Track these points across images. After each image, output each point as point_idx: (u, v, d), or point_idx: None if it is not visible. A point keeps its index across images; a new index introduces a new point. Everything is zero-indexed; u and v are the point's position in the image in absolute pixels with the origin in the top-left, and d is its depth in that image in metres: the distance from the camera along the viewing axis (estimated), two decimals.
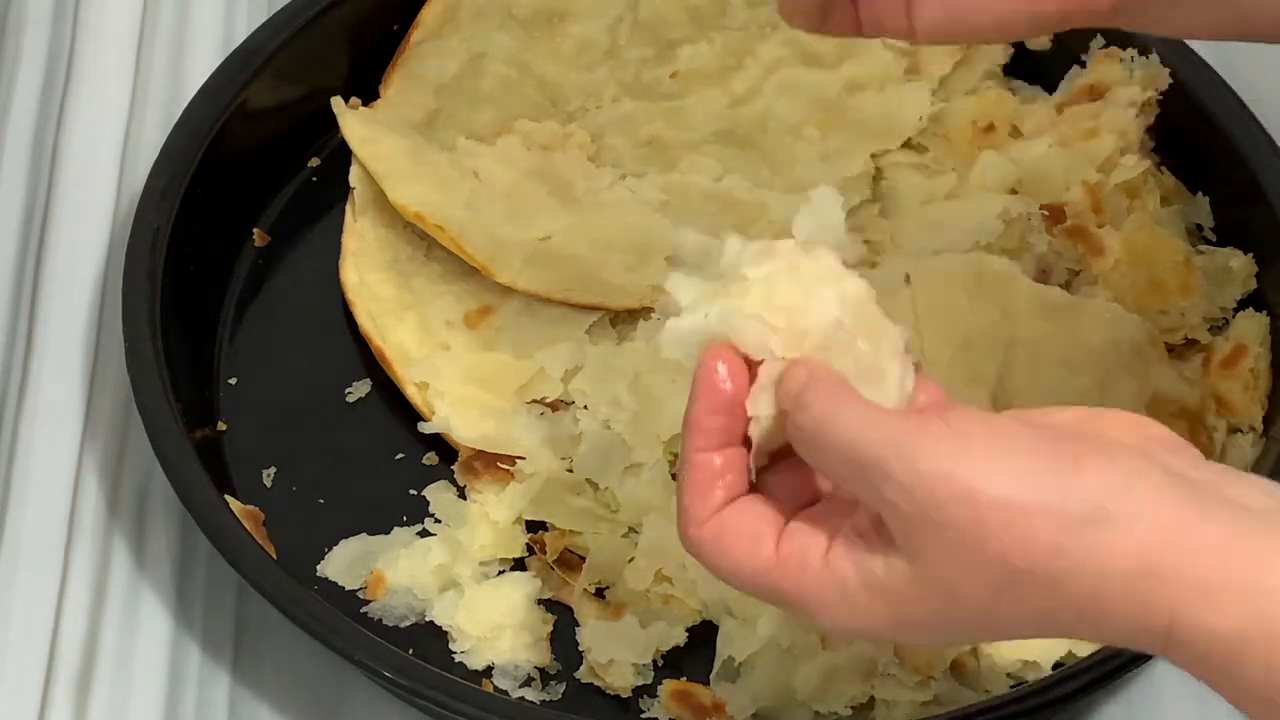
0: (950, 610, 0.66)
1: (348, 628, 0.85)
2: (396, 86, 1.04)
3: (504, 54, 1.05)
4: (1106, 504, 0.63)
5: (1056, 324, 0.94)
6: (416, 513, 0.93)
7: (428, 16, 1.05)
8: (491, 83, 1.04)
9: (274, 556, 0.88)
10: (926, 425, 0.65)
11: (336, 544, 0.91)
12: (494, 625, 0.88)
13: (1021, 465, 0.64)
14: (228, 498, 0.89)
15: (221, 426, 0.95)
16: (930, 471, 0.64)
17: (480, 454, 0.93)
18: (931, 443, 0.64)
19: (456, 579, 0.90)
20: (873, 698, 0.86)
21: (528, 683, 0.88)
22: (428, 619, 0.89)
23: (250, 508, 0.91)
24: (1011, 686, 0.86)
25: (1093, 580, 0.63)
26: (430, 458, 0.95)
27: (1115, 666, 0.83)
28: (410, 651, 0.87)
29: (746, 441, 0.69)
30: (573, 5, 1.06)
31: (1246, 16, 0.77)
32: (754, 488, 0.70)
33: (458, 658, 0.88)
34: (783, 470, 0.70)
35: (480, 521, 0.91)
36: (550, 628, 0.89)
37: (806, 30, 0.78)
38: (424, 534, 0.92)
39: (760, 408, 0.68)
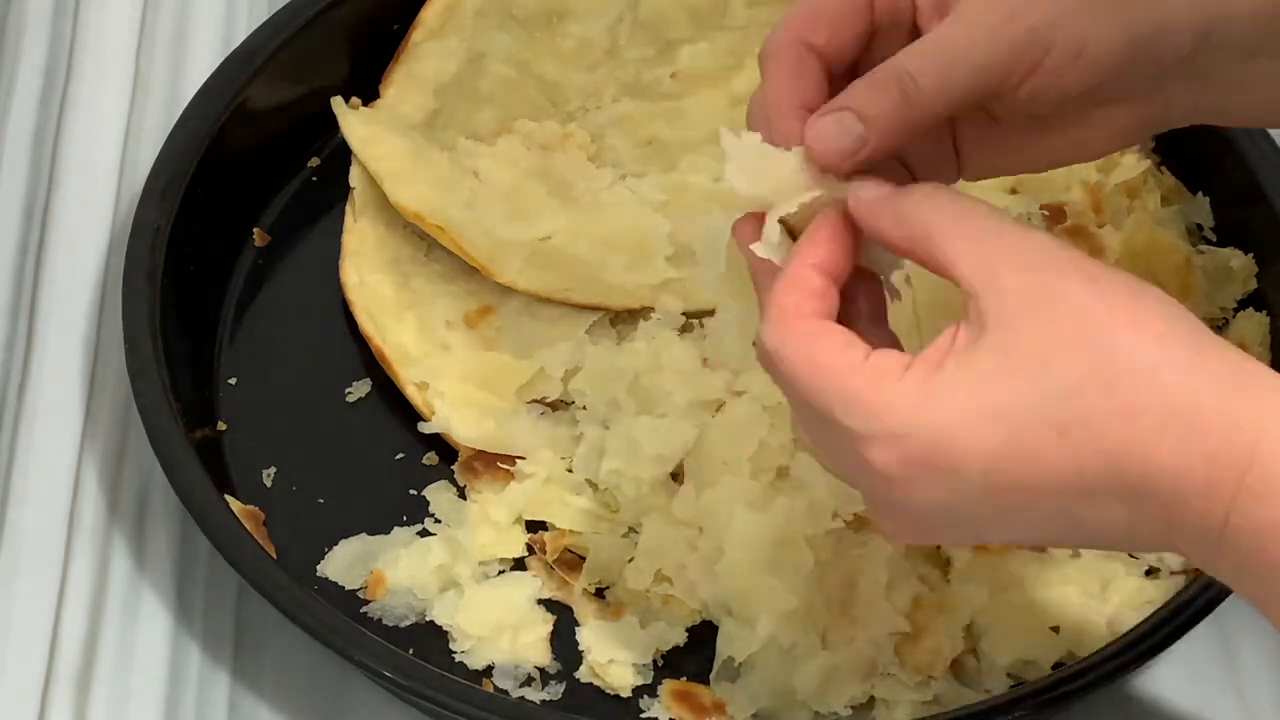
0: (1036, 390, 0.66)
1: (348, 628, 0.85)
2: (396, 86, 1.04)
3: (504, 54, 1.05)
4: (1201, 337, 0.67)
5: None
6: (416, 513, 0.93)
7: (428, 16, 1.05)
8: (491, 83, 1.04)
9: (274, 556, 0.88)
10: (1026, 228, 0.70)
11: (336, 544, 0.91)
12: (494, 625, 0.88)
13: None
14: (228, 498, 0.89)
15: (221, 426, 0.95)
16: (1056, 256, 0.69)
17: (480, 454, 0.93)
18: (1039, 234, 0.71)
19: (456, 579, 0.90)
20: (873, 698, 0.86)
21: (528, 683, 0.88)
22: (428, 619, 0.89)
23: (250, 508, 0.91)
24: (1011, 686, 0.86)
25: (1187, 383, 0.65)
26: (430, 458, 0.95)
27: (1115, 666, 0.83)
28: (410, 651, 0.87)
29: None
30: (573, 5, 1.06)
31: None
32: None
33: (458, 658, 0.88)
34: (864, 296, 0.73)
35: (480, 521, 0.91)
36: (550, 628, 0.89)
37: None
38: (424, 534, 0.92)
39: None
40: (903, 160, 0.77)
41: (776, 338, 0.69)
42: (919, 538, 0.73)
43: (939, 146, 0.77)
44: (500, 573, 0.91)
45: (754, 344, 0.71)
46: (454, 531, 0.91)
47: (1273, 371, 0.67)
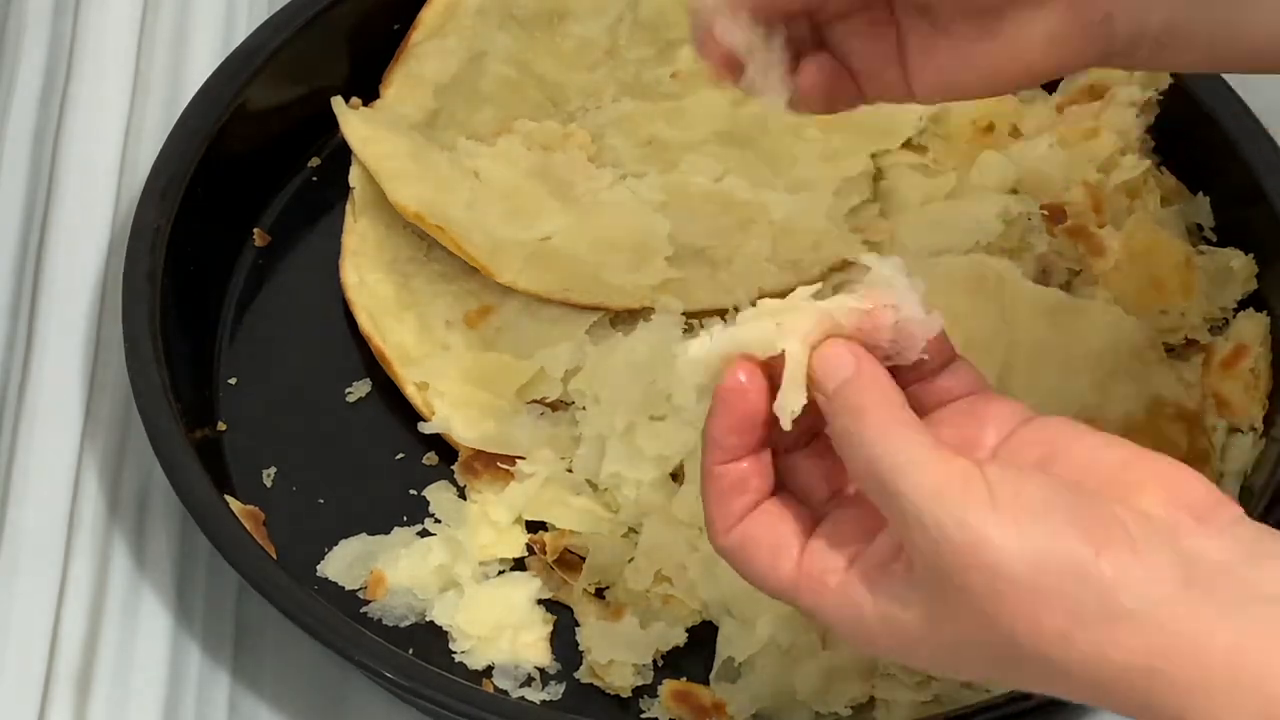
0: (956, 662, 0.67)
1: (348, 628, 0.85)
2: (396, 86, 1.04)
3: (504, 54, 1.05)
4: (1121, 600, 0.63)
5: (1056, 326, 0.93)
6: (416, 513, 0.93)
7: (428, 16, 1.05)
8: (491, 82, 1.04)
9: (274, 556, 0.88)
10: (969, 485, 0.65)
11: (336, 544, 0.91)
12: (494, 625, 0.88)
13: (1044, 547, 0.64)
14: (228, 498, 0.89)
15: (221, 426, 0.95)
16: (960, 540, 0.64)
17: (480, 454, 0.93)
18: (965, 507, 0.64)
19: (456, 579, 0.90)
20: (873, 698, 0.86)
21: (528, 683, 0.88)
22: (428, 619, 0.89)
23: (250, 508, 0.91)
24: None
25: (1097, 672, 0.64)
26: (430, 458, 0.95)
27: None
28: (410, 651, 0.87)
29: (767, 441, 0.69)
30: (573, 5, 1.06)
31: (1241, 52, 0.78)
32: (785, 476, 0.71)
33: (458, 658, 0.88)
34: (817, 452, 0.71)
35: (480, 521, 0.91)
36: (550, 628, 0.89)
37: (817, 113, 0.78)
38: (424, 534, 0.92)
39: (791, 402, 0.68)
40: (847, 66, 0.76)
41: (719, 550, 0.71)
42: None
43: (882, 51, 0.76)
44: (500, 573, 0.91)
45: None
46: (454, 531, 0.91)
47: None
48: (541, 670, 0.88)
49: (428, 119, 1.03)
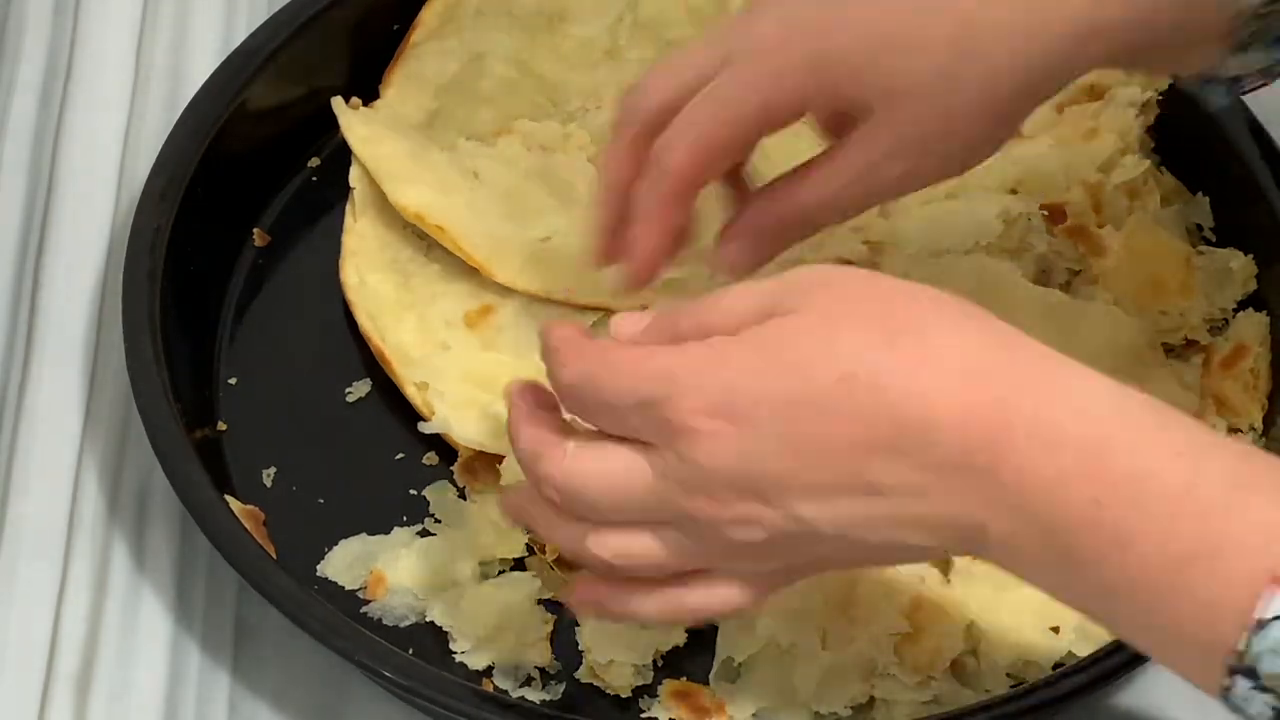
0: (821, 347, 0.70)
1: (348, 628, 0.85)
2: (397, 87, 1.04)
3: (504, 54, 1.05)
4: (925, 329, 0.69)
5: (1056, 327, 0.93)
6: (416, 513, 0.93)
7: (428, 16, 1.05)
8: (491, 83, 1.04)
9: (274, 556, 0.88)
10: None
11: (336, 544, 0.91)
12: (494, 625, 0.88)
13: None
14: (228, 498, 0.89)
15: (221, 426, 0.95)
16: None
17: (480, 454, 0.93)
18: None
19: (456, 579, 0.90)
20: (873, 698, 0.86)
21: (527, 683, 0.88)
22: (428, 619, 0.89)
23: (250, 508, 0.91)
24: (1011, 686, 0.86)
25: (957, 342, 0.69)
26: (430, 458, 0.95)
27: (1115, 666, 0.83)
28: (410, 651, 0.87)
29: None
30: (573, 5, 1.06)
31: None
32: None
33: (458, 658, 0.88)
34: None
35: (480, 521, 0.91)
36: (550, 628, 0.89)
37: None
38: (424, 534, 0.92)
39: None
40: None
41: (574, 374, 0.74)
42: (719, 506, 0.72)
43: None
44: (500, 573, 0.91)
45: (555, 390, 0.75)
46: (454, 531, 0.91)
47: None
48: (542, 670, 0.88)
49: (427, 119, 1.03)
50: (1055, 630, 0.87)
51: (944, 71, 0.79)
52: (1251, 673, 0.65)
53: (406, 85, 1.04)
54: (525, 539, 0.91)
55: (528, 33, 1.05)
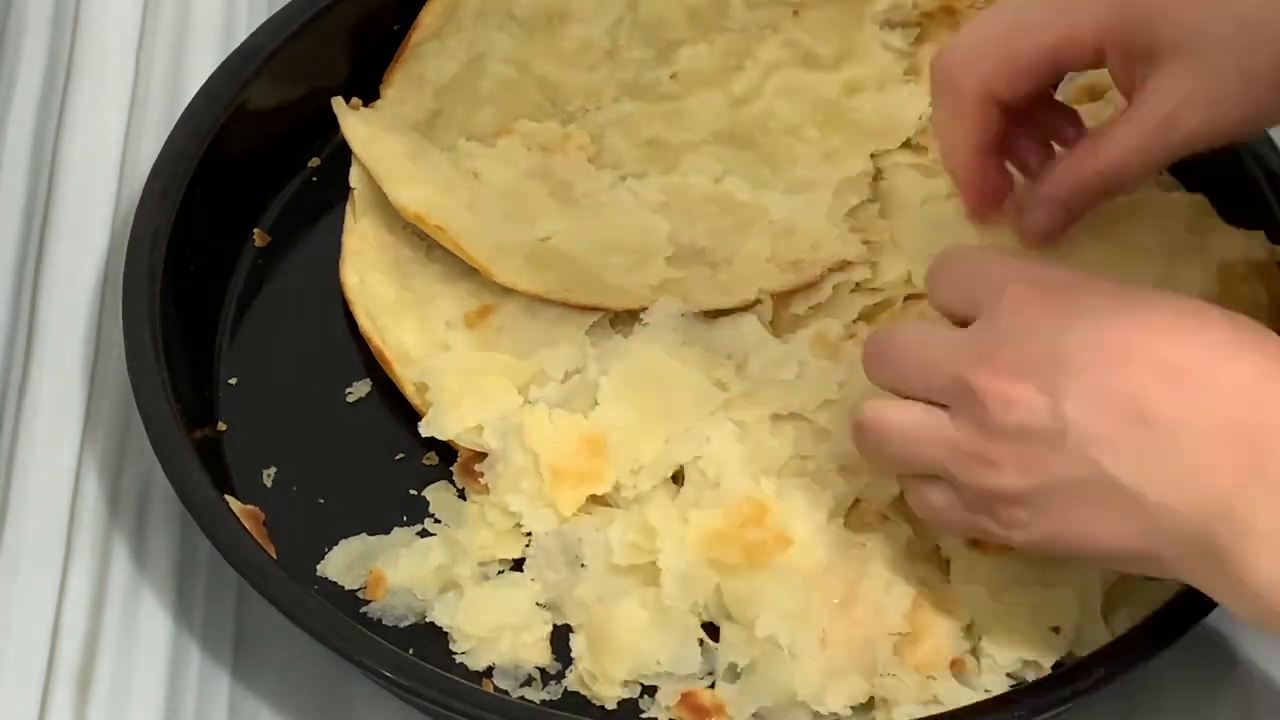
0: None
1: (348, 628, 0.85)
2: (397, 87, 1.04)
3: (504, 54, 1.05)
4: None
5: (1104, 239, 0.93)
6: (416, 513, 0.93)
7: (428, 17, 1.05)
8: (491, 83, 1.04)
9: (274, 556, 0.88)
10: None
11: (336, 544, 0.91)
12: (494, 626, 0.88)
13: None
14: (228, 498, 0.89)
15: (221, 426, 0.95)
16: None
17: (478, 455, 0.93)
18: None
19: (456, 579, 0.90)
20: (873, 698, 0.86)
21: (528, 683, 0.88)
22: (428, 619, 0.89)
23: (250, 507, 0.91)
24: (1011, 687, 0.86)
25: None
26: (430, 458, 0.94)
27: (1115, 666, 0.83)
28: (410, 651, 0.87)
29: None
30: (573, 6, 1.06)
31: None
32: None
33: (458, 658, 0.88)
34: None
35: (480, 522, 0.91)
36: (550, 628, 0.89)
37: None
38: (424, 534, 0.92)
39: None
40: None
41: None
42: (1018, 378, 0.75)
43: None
44: (500, 573, 0.91)
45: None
46: (454, 532, 0.91)
47: None
48: (542, 670, 0.88)
49: (428, 119, 1.03)
50: (1055, 630, 0.87)
51: (1246, 23, 0.80)
52: None
53: (407, 85, 1.04)
54: (525, 539, 0.91)
55: (528, 33, 1.05)
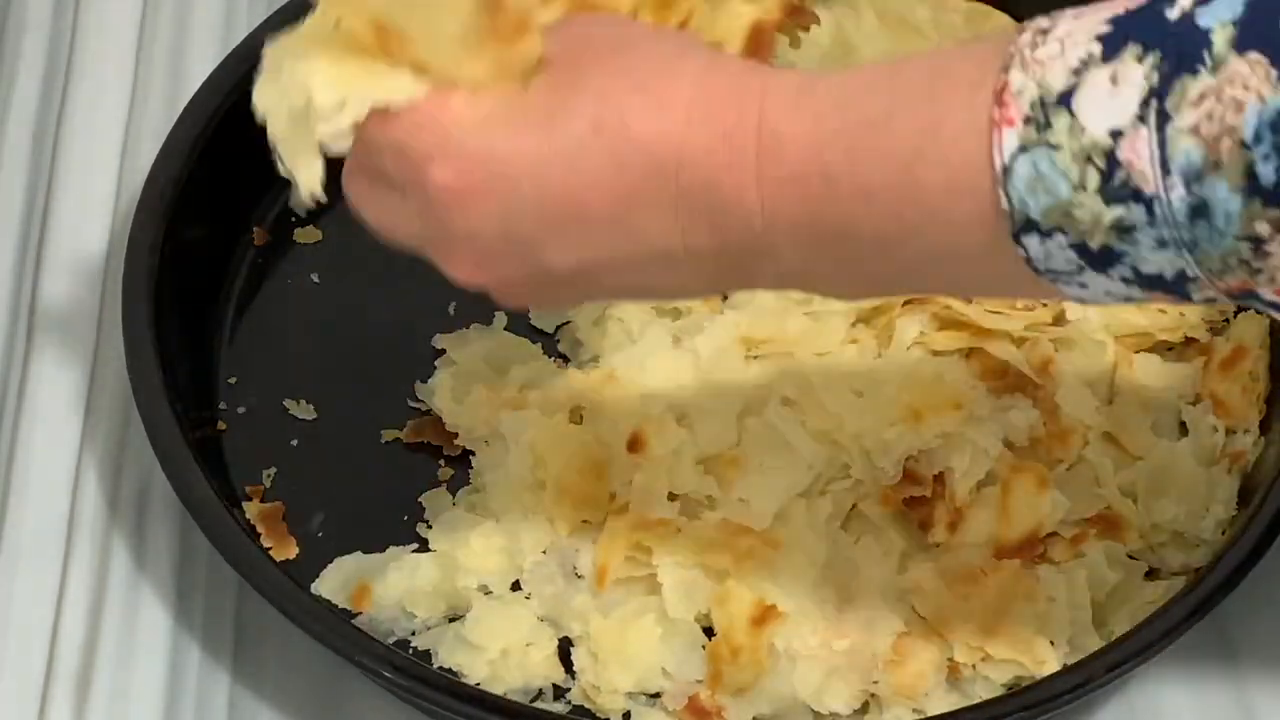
0: (573, 96, 0.70)
1: (347, 628, 0.85)
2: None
3: None
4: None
5: None
6: (416, 510, 0.92)
7: None
8: None
9: (297, 550, 0.89)
10: None
11: (335, 544, 0.92)
12: (500, 650, 0.87)
13: None
14: (245, 504, 0.90)
15: (221, 426, 0.95)
16: None
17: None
18: None
19: (458, 597, 0.89)
20: (873, 697, 0.86)
21: (538, 697, 0.87)
22: (436, 666, 0.87)
23: (269, 506, 0.91)
24: (1011, 686, 0.86)
25: (708, 77, 0.70)
26: (444, 472, 0.94)
27: (1115, 666, 0.83)
28: (410, 651, 0.87)
29: None
30: None
31: None
32: None
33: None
34: None
35: (479, 539, 0.90)
36: (555, 643, 0.89)
37: None
38: (423, 548, 0.91)
39: None
40: None
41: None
42: (480, 269, 0.74)
43: None
44: (489, 593, 0.90)
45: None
46: (448, 548, 0.90)
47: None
48: (555, 685, 0.88)
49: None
50: (1050, 644, 0.87)
51: None
52: (1030, 225, 0.65)
53: None
54: (524, 562, 0.90)
55: None
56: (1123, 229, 0.63)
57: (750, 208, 0.69)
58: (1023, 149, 0.64)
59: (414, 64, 0.72)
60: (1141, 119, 0.62)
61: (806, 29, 0.82)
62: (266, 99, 0.75)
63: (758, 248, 0.70)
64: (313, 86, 0.72)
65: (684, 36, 0.74)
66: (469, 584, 0.89)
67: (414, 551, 0.91)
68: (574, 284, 0.73)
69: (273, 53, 0.76)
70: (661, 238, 0.70)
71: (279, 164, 0.74)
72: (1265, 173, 0.61)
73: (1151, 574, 0.90)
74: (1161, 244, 0.63)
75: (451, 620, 0.89)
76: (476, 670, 0.87)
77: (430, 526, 0.92)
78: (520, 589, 0.90)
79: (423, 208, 0.72)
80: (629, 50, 0.71)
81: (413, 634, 0.89)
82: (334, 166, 1.03)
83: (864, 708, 0.86)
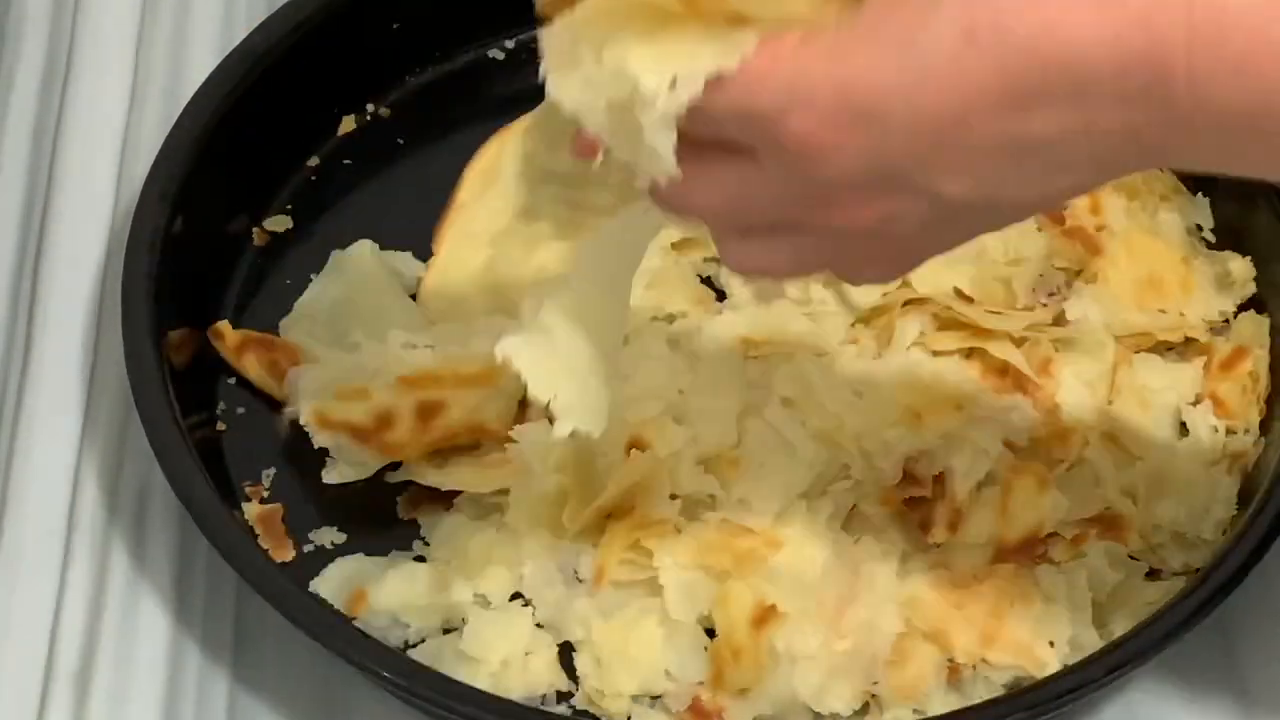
0: (934, 9, 0.62)
1: (347, 629, 0.85)
2: (449, 244, 1.01)
3: (552, 198, 1.02)
4: None
5: None
6: (414, 528, 0.93)
7: (470, 176, 1.03)
8: (547, 222, 1.02)
9: (295, 552, 0.89)
10: None
11: (334, 544, 0.91)
12: (500, 661, 0.87)
13: None
14: (245, 504, 0.90)
15: (221, 426, 0.95)
16: None
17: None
18: None
19: (450, 620, 0.89)
20: (873, 697, 0.86)
21: (542, 703, 0.87)
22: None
23: (268, 507, 0.91)
24: (1011, 687, 0.86)
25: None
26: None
27: (1115, 666, 0.83)
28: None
29: None
30: (613, 154, 1.03)
31: None
32: None
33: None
34: None
35: (477, 548, 0.90)
36: (555, 649, 0.88)
37: None
38: (420, 559, 0.91)
39: None
40: None
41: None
42: (863, 211, 0.66)
43: None
44: (489, 604, 0.90)
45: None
46: (446, 557, 0.90)
47: None
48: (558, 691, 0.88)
49: (484, 265, 1.01)
50: (1050, 645, 0.87)
51: None
52: None
53: (459, 240, 1.01)
54: (524, 568, 0.90)
55: (573, 182, 1.03)
56: None
57: (1176, 93, 0.61)
58: None
59: (731, 18, 0.64)
60: None
61: None
62: (574, 94, 0.66)
63: (1174, 137, 0.62)
64: (635, 71, 0.64)
65: None
66: (465, 597, 0.89)
67: (414, 559, 0.91)
68: (969, 213, 0.66)
69: (559, 39, 0.66)
70: (1061, 140, 0.63)
71: (608, 154, 0.68)
72: None
73: (1152, 574, 0.90)
74: None
75: (446, 632, 0.89)
76: (479, 682, 0.86)
77: (427, 543, 0.92)
78: (517, 599, 0.90)
79: (786, 169, 0.65)
80: None
81: (407, 644, 0.89)
82: (335, 170, 1.04)
83: (864, 708, 0.86)
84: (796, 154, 0.64)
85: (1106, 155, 0.64)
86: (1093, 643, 0.86)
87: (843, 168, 0.64)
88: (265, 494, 0.93)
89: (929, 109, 0.63)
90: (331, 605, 0.88)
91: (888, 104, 0.63)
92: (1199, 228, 0.99)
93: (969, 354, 0.94)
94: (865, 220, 0.66)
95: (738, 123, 0.65)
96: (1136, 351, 0.96)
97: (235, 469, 0.93)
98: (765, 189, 0.67)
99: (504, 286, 0.99)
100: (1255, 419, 0.93)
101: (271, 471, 0.94)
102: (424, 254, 1.01)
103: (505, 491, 0.91)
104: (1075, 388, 0.93)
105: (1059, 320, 0.96)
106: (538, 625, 0.89)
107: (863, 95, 0.63)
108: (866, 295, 0.95)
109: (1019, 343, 0.94)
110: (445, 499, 0.92)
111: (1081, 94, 0.62)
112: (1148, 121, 0.62)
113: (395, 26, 1.05)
